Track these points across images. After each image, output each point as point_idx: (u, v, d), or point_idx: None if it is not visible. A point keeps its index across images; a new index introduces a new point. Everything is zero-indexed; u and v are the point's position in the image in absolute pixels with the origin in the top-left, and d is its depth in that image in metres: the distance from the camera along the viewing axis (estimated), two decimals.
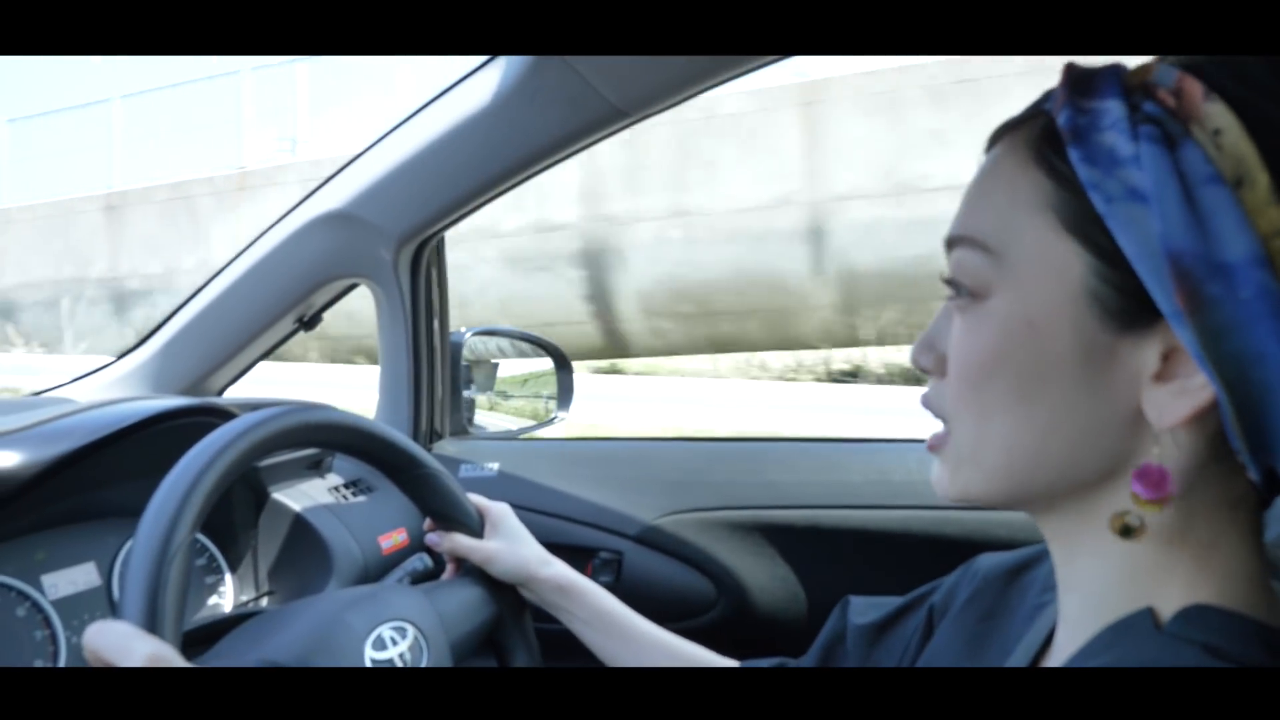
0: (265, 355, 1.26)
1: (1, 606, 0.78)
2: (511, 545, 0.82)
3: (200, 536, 0.97)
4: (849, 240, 7.07)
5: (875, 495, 1.03)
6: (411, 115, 1.05)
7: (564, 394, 1.46)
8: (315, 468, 1.09)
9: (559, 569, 0.82)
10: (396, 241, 1.12)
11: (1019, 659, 0.51)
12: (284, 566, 1.00)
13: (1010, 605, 0.57)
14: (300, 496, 1.03)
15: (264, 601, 0.99)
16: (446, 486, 0.81)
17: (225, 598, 0.97)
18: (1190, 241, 0.37)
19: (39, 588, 0.81)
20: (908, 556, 1.01)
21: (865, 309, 7.05)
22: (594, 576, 1.10)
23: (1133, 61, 0.42)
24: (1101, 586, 0.44)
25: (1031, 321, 0.42)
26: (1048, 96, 0.44)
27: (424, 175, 1.06)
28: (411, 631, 0.72)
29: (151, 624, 0.54)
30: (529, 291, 8.31)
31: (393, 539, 1.06)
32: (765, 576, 1.07)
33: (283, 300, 1.16)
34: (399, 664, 0.69)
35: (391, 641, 0.70)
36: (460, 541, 0.82)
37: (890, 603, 0.68)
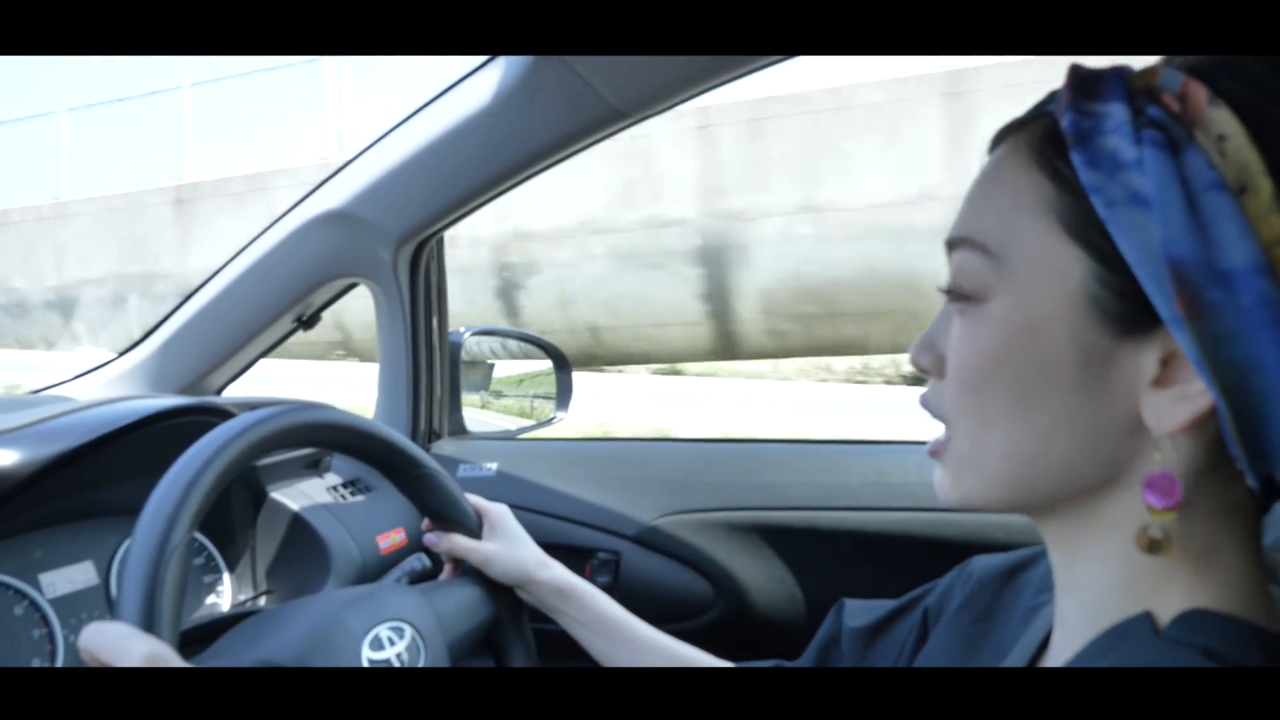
0: (264, 354, 1.26)
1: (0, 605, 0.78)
2: (510, 547, 0.82)
3: (198, 535, 0.97)
4: None
5: (873, 497, 1.04)
6: (411, 115, 1.05)
7: (563, 394, 1.46)
8: (314, 467, 1.09)
9: (557, 571, 0.82)
10: (396, 241, 1.12)
11: (1015, 661, 0.51)
12: (282, 566, 1.00)
13: (1005, 607, 0.57)
14: (298, 496, 1.03)
15: (262, 601, 0.99)
16: (445, 487, 0.81)
17: (223, 597, 0.97)
18: (1192, 247, 0.37)
19: (37, 586, 0.81)
20: (905, 558, 1.01)
21: None
22: (592, 577, 1.10)
23: (1138, 62, 0.42)
24: (1101, 591, 0.44)
25: (1031, 325, 0.42)
26: (1052, 98, 0.44)
27: (423, 175, 1.06)
28: (409, 632, 0.72)
29: (149, 623, 0.54)
30: (640, 290, 8.09)
31: (391, 539, 1.06)
32: (763, 578, 1.07)
33: (282, 299, 1.16)
34: (396, 664, 0.69)
35: (389, 642, 0.70)
36: (458, 542, 0.82)
37: (885, 605, 0.68)
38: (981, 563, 0.62)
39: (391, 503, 1.09)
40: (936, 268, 0.46)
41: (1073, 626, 0.45)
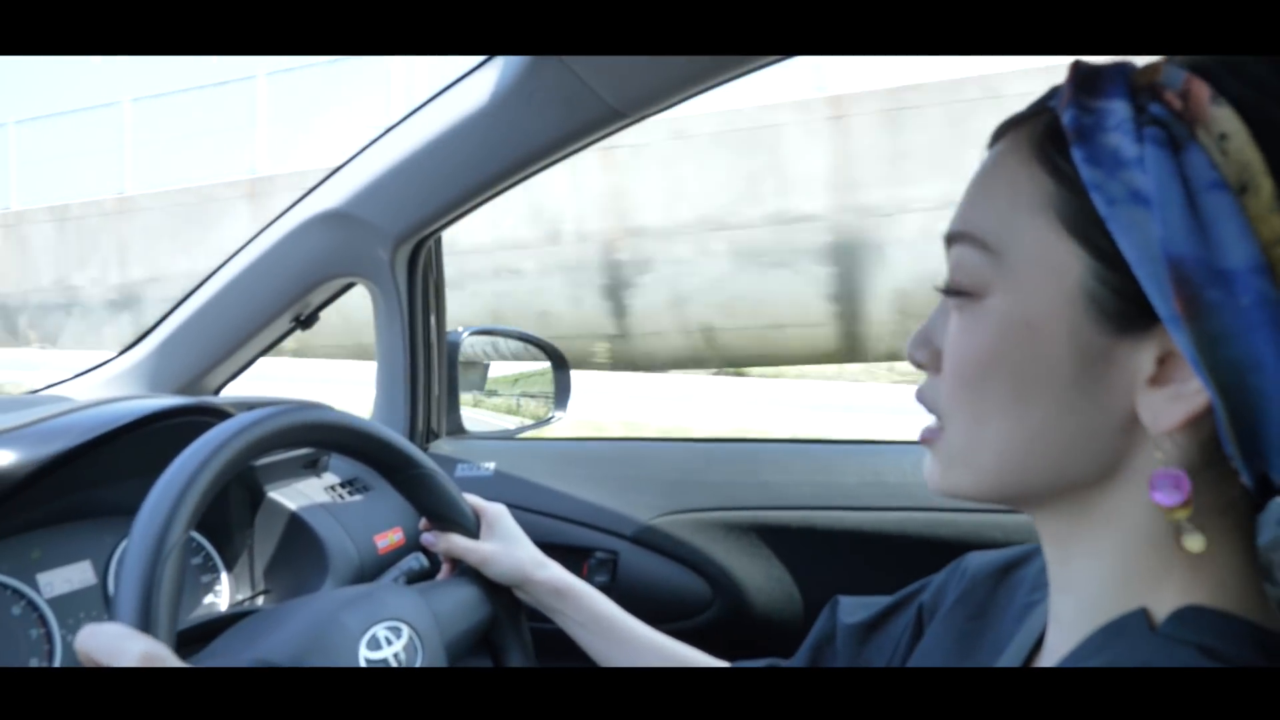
0: (262, 354, 1.26)
1: None
2: (507, 547, 0.82)
3: (196, 535, 0.97)
4: None
5: (870, 497, 1.04)
6: (409, 115, 1.05)
7: (561, 394, 1.46)
8: (311, 467, 1.09)
9: (554, 571, 0.83)
10: (393, 241, 1.12)
11: (1010, 658, 0.51)
12: (280, 565, 1.00)
13: (1000, 604, 0.57)
14: (296, 495, 1.03)
15: (260, 600, 0.99)
16: (442, 486, 0.81)
17: (221, 596, 0.97)
18: (1191, 247, 0.37)
19: (34, 586, 0.81)
20: (902, 558, 1.01)
21: None
22: (589, 576, 1.10)
23: (1138, 62, 0.42)
24: (1095, 588, 0.44)
25: (1028, 322, 0.42)
26: (1053, 94, 0.44)
27: (421, 175, 1.06)
28: (406, 631, 0.72)
29: (145, 623, 0.54)
30: (762, 289, 7.74)
31: (389, 538, 1.06)
32: (760, 577, 1.07)
33: (280, 299, 1.16)
34: (393, 664, 0.69)
35: (386, 641, 0.70)
36: (456, 542, 0.82)
37: (879, 602, 0.68)
38: (976, 559, 0.62)
39: (389, 502, 1.09)
40: None
41: (1068, 624, 0.45)
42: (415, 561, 0.91)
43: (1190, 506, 0.40)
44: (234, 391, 1.28)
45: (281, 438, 0.68)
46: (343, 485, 1.09)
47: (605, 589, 0.88)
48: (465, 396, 1.41)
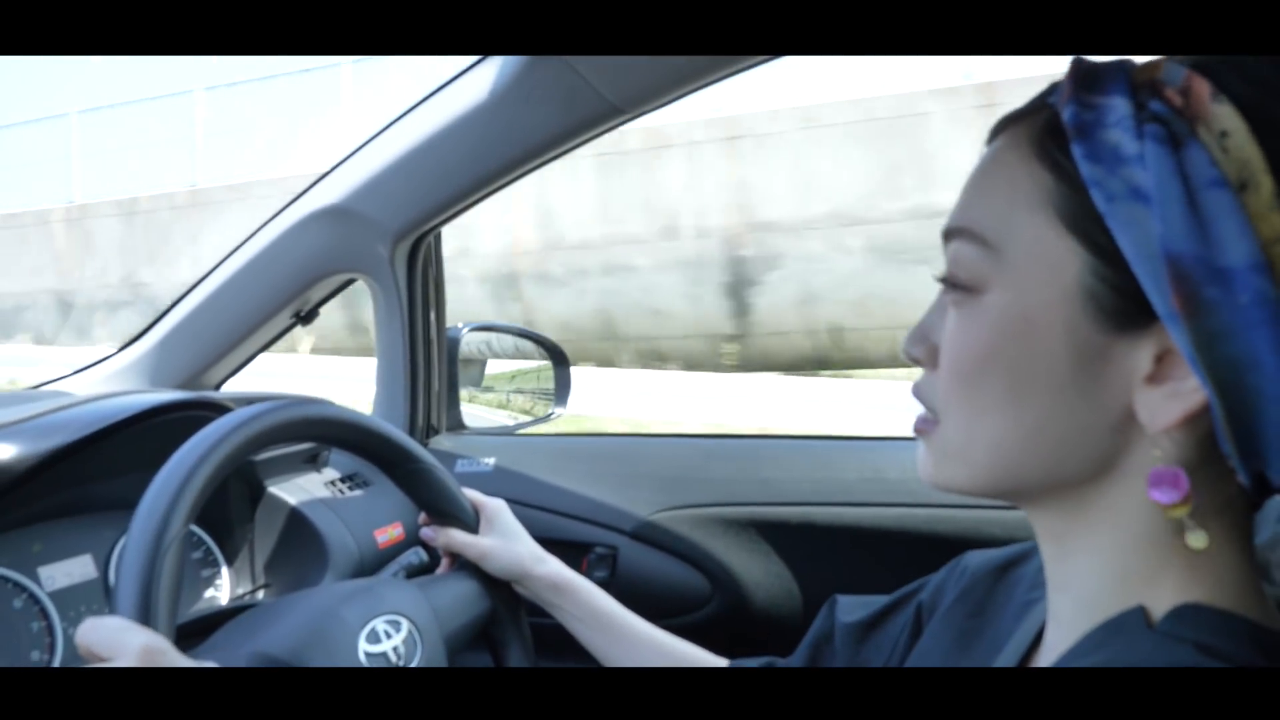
0: (262, 350, 1.26)
1: None
2: (506, 542, 0.83)
3: (197, 530, 0.97)
4: None
5: (870, 493, 1.04)
6: (408, 110, 1.05)
7: (561, 390, 1.46)
8: (311, 462, 1.09)
9: (553, 566, 0.83)
10: (393, 237, 1.13)
11: (1009, 657, 0.51)
12: (280, 560, 1.00)
13: (999, 602, 0.57)
14: (296, 490, 1.03)
15: (260, 594, 0.99)
16: (441, 481, 0.81)
17: (222, 591, 0.97)
18: (1190, 244, 0.37)
19: (35, 579, 0.81)
20: (902, 554, 1.01)
21: None
22: (589, 571, 1.11)
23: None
24: (1093, 586, 0.44)
25: (1026, 318, 0.42)
26: (1053, 90, 0.44)
27: (421, 171, 1.06)
28: (406, 625, 0.72)
29: (145, 617, 0.54)
30: (899, 288, 7.26)
31: (388, 533, 1.06)
32: (760, 573, 1.08)
33: (280, 295, 1.17)
34: (393, 657, 0.69)
35: (385, 635, 0.70)
36: (455, 537, 0.82)
37: (877, 601, 0.68)
38: (975, 558, 0.62)
39: (389, 497, 1.09)
40: None
41: (1066, 622, 0.45)
42: (415, 556, 0.91)
43: (1189, 504, 0.40)
44: (235, 387, 1.28)
45: (281, 432, 0.68)
46: (343, 480, 1.10)
47: (604, 584, 0.88)
48: (466, 393, 1.41)
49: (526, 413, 1.54)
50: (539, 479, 1.16)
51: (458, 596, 0.80)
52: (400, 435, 0.79)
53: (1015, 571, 0.58)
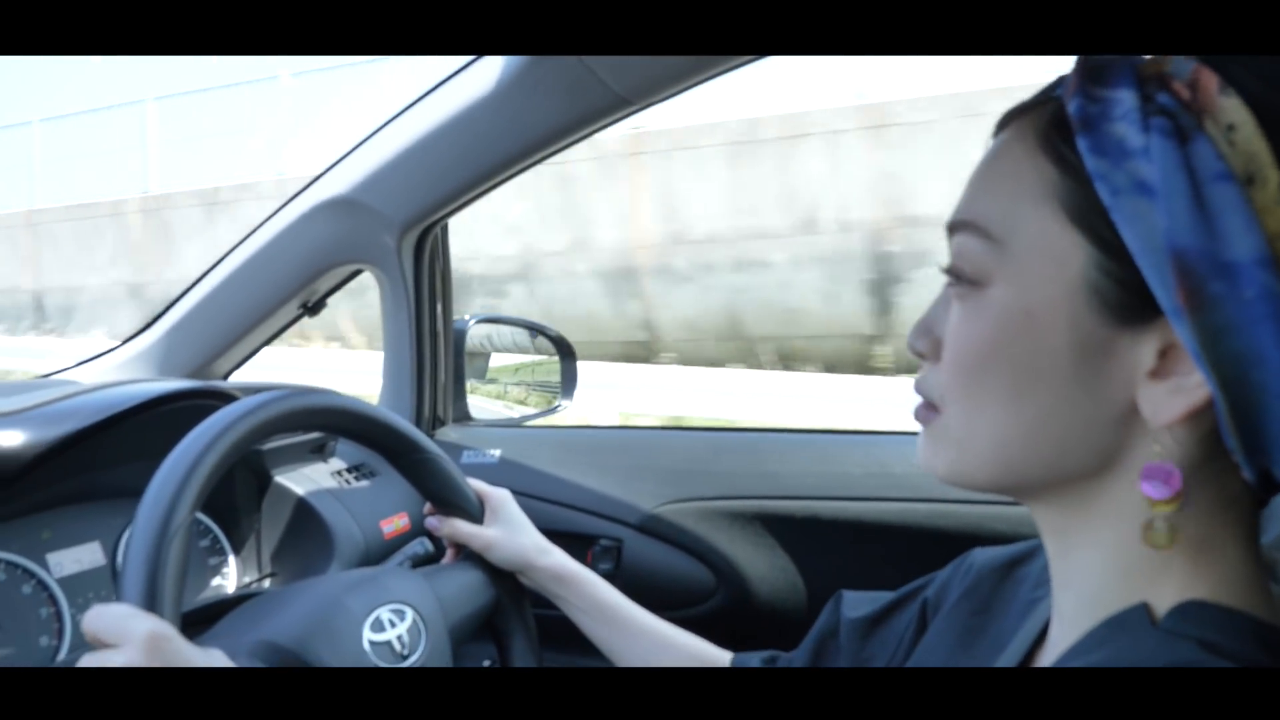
0: (269, 341, 1.26)
1: (8, 584, 0.79)
2: (510, 533, 0.83)
3: (205, 518, 0.98)
4: None
5: (875, 487, 1.04)
6: (415, 102, 1.05)
7: (568, 382, 1.46)
8: (318, 452, 1.09)
9: (557, 558, 0.83)
10: (400, 228, 1.13)
11: (1012, 654, 0.51)
12: (286, 549, 1.01)
13: (1004, 600, 0.57)
14: (303, 480, 1.03)
15: (266, 583, 1.00)
16: (446, 471, 0.81)
17: (228, 579, 0.98)
18: (1195, 238, 0.36)
19: (44, 566, 0.82)
20: (906, 548, 1.01)
21: None
22: (594, 564, 1.11)
23: None
24: (1096, 582, 0.43)
25: (1030, 312, 0.42)
26: (1060, 82, 0.43)
27: (428, 162, 1.06)
28: (410, 614, 0.72)
29: (151, 603, 0.55)
30: None
31: (394, 523, 1.07)
32: (764, 566, 1.08)
33: (287, 286, 1.17)
34: (397, 646, 0.70)
35: (390, 624, 0.70)
36: (459, 527, 0.82)
37: (883, 597, 0.68)
38: (981, 555, 0.62)
39: (395, 488, 1.10)
40: None
41: (1069, 618, 0.45)
42: (420, 546, 0.91)
43: (1177, 502, 0.40)
44: (243, 377, 1.28)
45: (286, 421, 0.69)
46: (349, 470, 1.10)
47: (609, 576, 0.88)
48: (477, 385, 1.41)
49: (533, 405, 1.54)
50: (545, 471, 1.17)
51: (462, 587, 0.80)
52: (405, 425, 0.79)
53: (1021, 569, 0.58)
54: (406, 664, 0.70)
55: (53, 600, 0.81)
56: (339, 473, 1.09)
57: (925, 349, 0.47)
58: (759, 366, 7.31)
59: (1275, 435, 0.38)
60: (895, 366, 7.11)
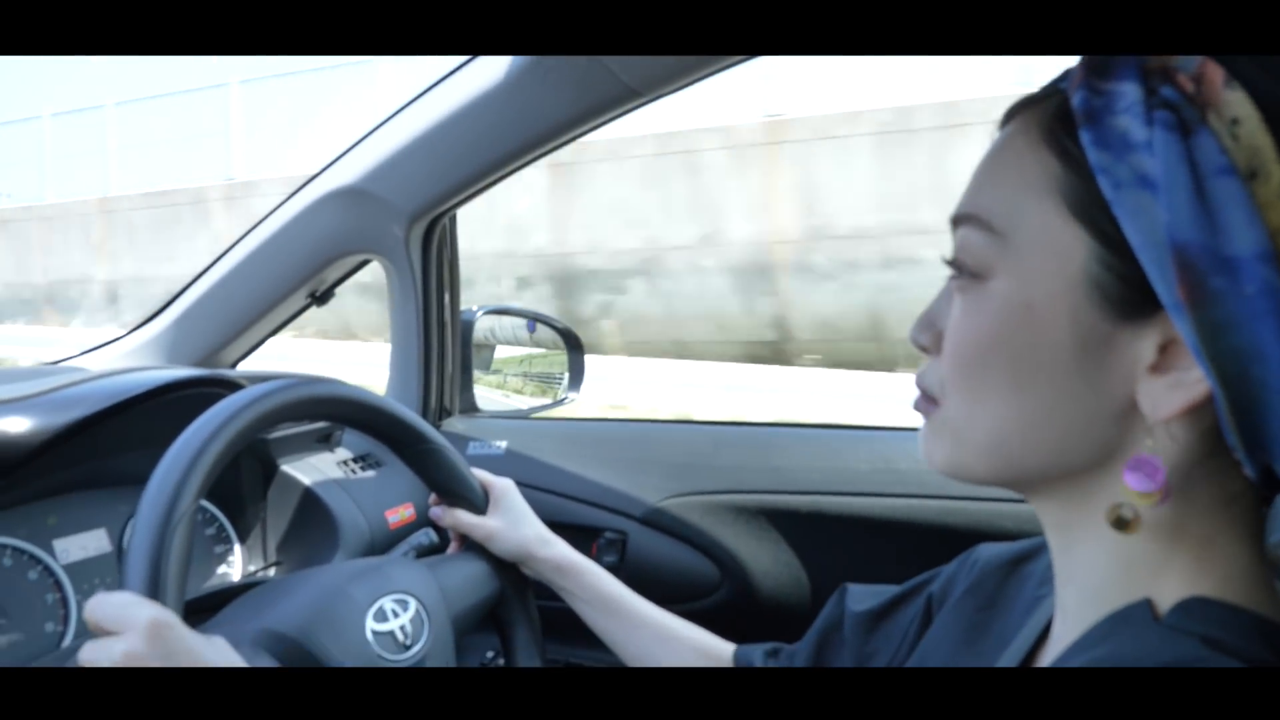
0: (278, 330, 1.27)
1: (14, 569, 0.80)
2: (512, 523, 0.83)
3: (211, 507, 0.98)
4: None
5: (881, 483, 1.03)
6: (424, 92, 1.05)
7: (575, 375, 1.46)
8: (325, 441, 1.10)
9: (559, 549, 0.83)
10: (408, 218, 1.13)
11: (1016, 650, 0.51)
12: (292, 538, 1.01)
13: (1009, 596, 0.57)
14: (309, 470, 1.04)
15: (271, 572, 1.00)
16: (451, 462, 0.81)
17: (234, 567, 0.98)
18: (1197, 233, 0.36)
19: (51, 552, 0.82)
20: (912, 544, 1.01)
21: None
22: (599, 556, 1.11)
23: None
24: (1099, 578, 0.43)
25: (1030, 305, 0.42)
26: (1065, 76, 0.43)
27: (436, 152, 1.06)
28: (413, 604, 0.72)
29: (154, 591, 0.55)
30: None
31: (400, 514, 1.07)
32: (769, 561, 1.07)
33: (295, 275, 1.17)
34: (399, 636, 0.70)
35: (393, 614, 0.70)
36: (461, 518, 0.82)
37: (888, 591, 0.68)
38: (987, 551, 0.62)
39: (401, 478, 1.10)
40: None
41: (1072, 614, 0.45)
42: (425, 536, 0.91)
43: (1156, 497, 0.39)
44: (252, 366, 1.29)
45: (292, 410, 0.69)
46: (355, 460, 1.10)
47: (614, 569, 0.88)
48: (485, 377, 1.41)
49: (540, 397, 1.54)
50: (550, 463, 1.17)
51: (466, 577, 0.80)
52: (410, 415, 0.79)
53: (1026, 566, 0.58)
54: (409, 654, 0.70)
55: (59, 586, 0.81)
56: (345, 462, 1.09)
57: (927, 342, 0.47)
58: (895, 369, 6.91)
59: (1275, 431, 0.37)
60: None
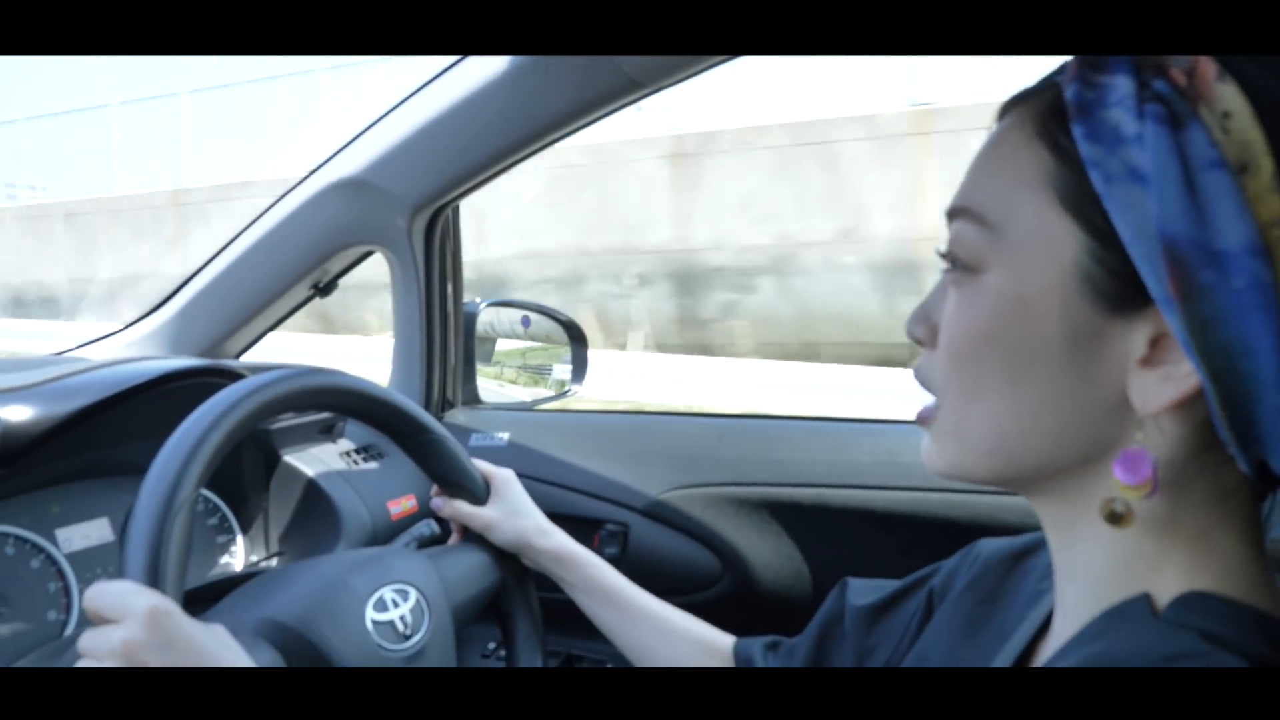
0: (281, 321, 1.27)
1: (16, 558, 0.80)
2: (511, 514, 0.83)
3: (213, 497, 0.98)
4: None
5: (884, 476, 1.03)
6: (427, 83, 1.05)
7: (578, 368, 1.46)
8: (327, 432, 1.10)
9: (558, 539, 0.83)
10: (411, 209, 1.13)
11: (1016, 645, 0.51)
12: (294, 529, 1.02)
13: (1010, 591, 0.57)
14: (312, 460, 1.04)
15: (274, 562, 1.00)
16: (452, 453, 0.81)
17: (236, 557, 0.98)
18: (1186, 226, 0.36)
19: (53, 541, 0.82)
20: (915, 538, 1.00)
21: None
22: (601, 548, 1.11)
23: None
24: (1097, 573, 0.43)
25: (1023, 299, 0.42)
26: (1061, 69, 0.43)
27: (439, 143, 1.06)
28: (413, 594, 0.72)
29: (153, 580, 0.55)
30: None
31: (402, 505, 1.07)
32: (770, 553, 1.07)
33: (298, 266, 1.17)
34: (399, 626, 0.70)
35: (393, 604, 0.71)
36: (460, 508, 0.82)
37: (889, 585, 0.68)
38: (989, 545, 0.62)
39: (403, 469, 1.10)
40: None
41: (1072, 610, 0.45)
42: (426, 527, 0.91)
43: (1144, 490, 0.39)
44: (256, 357, 1.29)
45: (292, 400, 0.69)
46: (358, 451, 1.10)
47: (615, 561, 0.88)
48: (488, 369, 1.41)
49: (543, 389, 1.54)
50: (553, 455, 1.17)
51: (467, 568, 0.80)
52: (412, 406, 0.79)
53: (1028, 561, 0.58)
54: (409, 644, 0.70)
55: (61, 575, 0.82)
56: (347, 453, 1.09)
57: (922, 335, 0.47)
58: None
59: (1267, 425, 0.37)
60: None
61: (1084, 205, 0.40)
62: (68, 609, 0.81)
